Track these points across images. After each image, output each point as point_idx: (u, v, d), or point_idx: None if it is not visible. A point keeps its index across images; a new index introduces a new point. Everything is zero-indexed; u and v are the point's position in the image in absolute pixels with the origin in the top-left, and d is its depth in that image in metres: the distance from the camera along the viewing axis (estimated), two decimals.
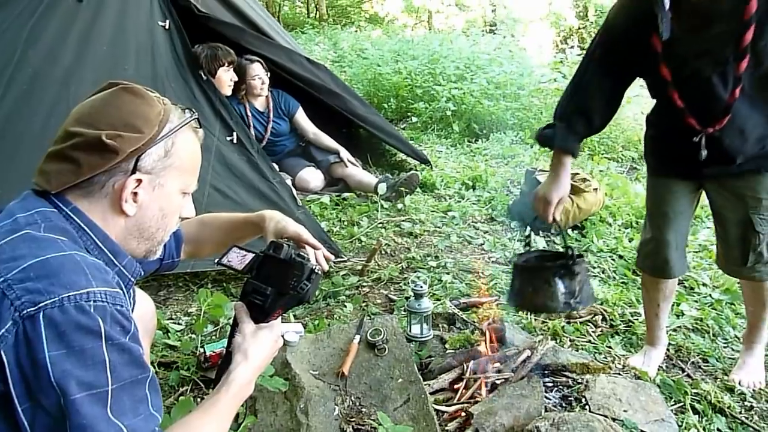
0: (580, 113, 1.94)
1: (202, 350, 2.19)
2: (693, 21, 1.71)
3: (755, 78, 1.76)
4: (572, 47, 9.73)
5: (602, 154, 5.47)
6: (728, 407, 2.10)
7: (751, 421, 2.06)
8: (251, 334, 1.23)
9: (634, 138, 5.64)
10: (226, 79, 3.67)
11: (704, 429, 1.90)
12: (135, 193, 1.09)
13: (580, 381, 2.11)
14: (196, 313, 2.59)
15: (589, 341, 2.49)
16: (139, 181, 1.08)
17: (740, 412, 2.10)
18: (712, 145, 1.88)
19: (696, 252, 3.41)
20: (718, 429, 1.93)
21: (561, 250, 2.04)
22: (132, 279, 1.19)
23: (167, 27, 3.15)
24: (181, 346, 2.31)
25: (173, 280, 2.92)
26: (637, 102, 5.29)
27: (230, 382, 1.16)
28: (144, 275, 1.40)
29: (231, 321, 1.26)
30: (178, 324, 2.53)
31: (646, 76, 1.99)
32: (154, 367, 2.15)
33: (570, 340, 2.49)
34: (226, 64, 3.63)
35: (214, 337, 2.41)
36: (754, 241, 2.01)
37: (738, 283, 2.49)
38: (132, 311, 1.25)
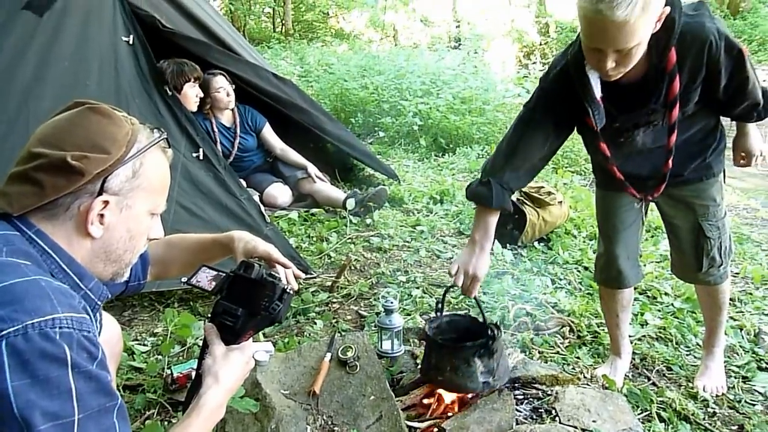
0: (513, 171, 1.93)
1: (169, 372, 2.14)
2: (626, 101, 1.78)
3: (683, 122, 1.83)
4: (534, 63, 9.95)
5: (566, 167, 5.60)
6: (692, 414, 2.16)
7: (714, 427, 2.12)
8: (222, 356, 1.21)
9: None
10: (192, 94, 3.64)
11: None
12: (101, 215, 1.07)
13: (549, 393, 2.13)
14: (162, 334, 2.53)
15: (558, 353, 2.53)
16: (106, 202, 1.06)
17: (704, 419, 2.16)
18: None
19: (657, 262, 3.50)
20: None
21: (471, 314, 2.05)
22: (99, 302, 1.16)
23: (131, 42, 3.10)
24: (147, 368, 2.25)
25: (138, 300, 2.85)
26: None
27: (201, 406, 1.14)
28: (110, 297, 1.37)
29: (199, 341, 1.24)
30: (144, 345, 2.47)
31: (587, 144, 2.07)
32: (120, 391, 2.09)
33: (539, 352, 2.52)
34: (192, 80, 3.60)
35: (181, 358, 2.36)
36: (707, 247, 2.08)
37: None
38: (99, 335, 1.22)
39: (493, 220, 1.95)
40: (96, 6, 2.99)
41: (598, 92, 1.74)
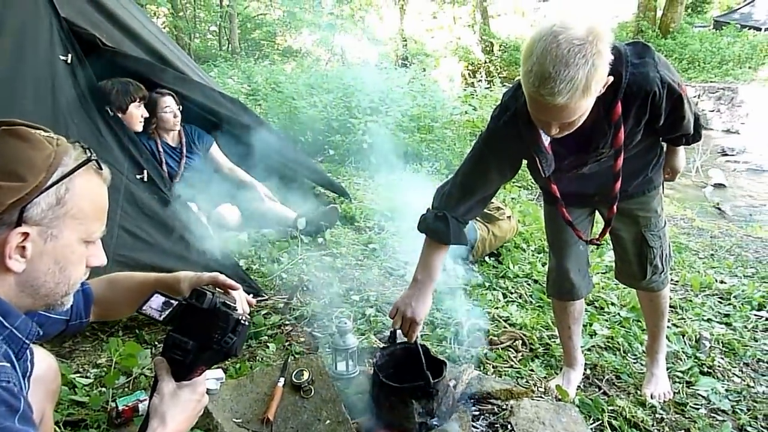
0: (467, 204, 1.98)
1: (113, 405, 2.04)
2: (574, 146, 1.83)
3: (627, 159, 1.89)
4: (480, 80, 10.18)
5: (513, 182, 5.71)
6: (642, 421, 2.22)
7: None
8: (170, 394, 1.14)
9: None
10: (137, 114, 3.52)
11: None
12: (23, 247, 0.98)
13: (504, 407, 2.15)
14: (106, 365, 2.42)
15: (511, 366, 2.56)
16: (26, 234, 0.98)
17: (653, 425, 2.22)
18: None
19: (603, 273, 3.60)
20: None
21: (422, 343, 2.06)
22: (27, 341, 1.06)
23: (69, 61, 2.99)
24: (90, 402, 2.14)
25: None
26: None
27: None
28: (46, 337, 1.29)
29: (146, 371, 1.16)
30: (87, 377, 2.35)
31: (534, 174, 2.12)
32: (60, 428, 1.98)
33: (493, 367, 2.54)
34: (138, 100, 3.50)
35: (127, 390, 2.26)
36: (650, 256, 2.19)
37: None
38: (29, 375, 1.14)
39: (442, 256, 1.98)
40: (31, 23, 2.87)
41: (546, 141, 1.79)
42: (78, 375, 2.36)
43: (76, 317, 1.40)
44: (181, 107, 3.88)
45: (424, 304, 1.95)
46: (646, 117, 1.78)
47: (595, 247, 4.02)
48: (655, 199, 2.15)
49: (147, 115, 3.63)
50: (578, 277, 2.32)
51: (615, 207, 1.99)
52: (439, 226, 1.94)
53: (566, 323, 2.43)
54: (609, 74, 1.55)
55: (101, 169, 1.09)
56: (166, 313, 1.27)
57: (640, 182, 2.08)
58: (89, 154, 1.06)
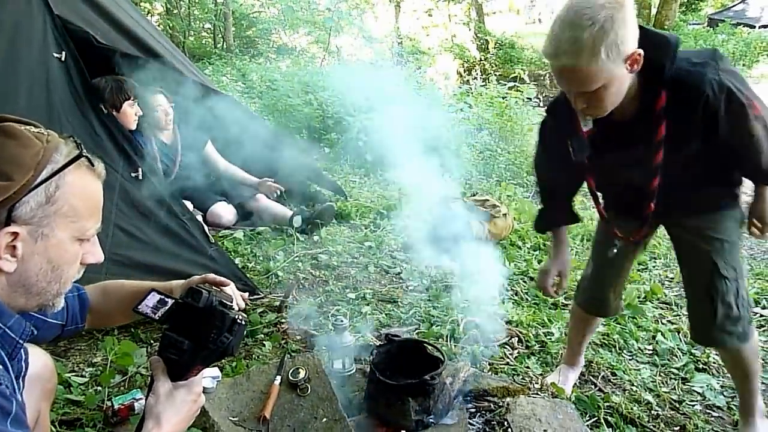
0: (554, 200, 2.19)
1: (109, 403, 2.04)
2: (615, 139, 1.78)
3: (680, 160, 1.75)
4: (476, 78, 10.17)
5: (509, 180, 5.72)
6: (638, 417, 2.23)
7: (658, 428, 2.19)
8: (166, 395, 1.13)
9: None
10: (131, 113, 3.51)
11: None
12: (13, 247, 0.97)
13: (501, 404, 2.16)
14: (101, 363, 2.41)
15: (508, 363, 2.56)
16: (15, 234, 0.96)
17: (648, 421, 2.23)
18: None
19: None
20: None
21: (418, 338, 2.19)
22: (20, 341, 1.05)
23: (63, 59, 2.97)
24: (85, 401, 2.13)
25: None
26: None
27: None
28: (42, 341, 1.28)
29: (141, 370, 1.15)
30: (82, 376, 2.34)
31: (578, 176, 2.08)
32: (56, 427, 1.97)
33: (489, 364, 2.55)
34: (132, 98, 3.48)
35: (122, 388, 2.25)
36: (722, 289, 1.86)
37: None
38: (24, 375, 1.13)
39: (558, 234, 2.19)
40: (25, 21, 2.85)
41: (584, 126, 1.77)
42: (73, 374, 2.35)
43: (71, 322, 1.39)
44: (174, 105, 3.87)
45: (559, 260, 2.18)
46: (697, 122, 1.63)
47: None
48: (729, 222, 1.87)
49: (141, 113, 3.62)
50: (612, 295, 2.24)
51: (653, 204, 1.83)
52: (548, 216, 2.22)
53: (582, 332, 2.42)
54: (647, 57, 1.53)
55: (93, 165, 1.06)
56: (162, 311, 1.26)
57: (706, 196, 1.85)
58: (80, 150, 1.03)
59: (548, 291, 2.17)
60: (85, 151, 1.03)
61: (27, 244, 0.98)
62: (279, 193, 4.26)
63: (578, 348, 2.46)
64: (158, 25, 13.69)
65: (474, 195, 4.43)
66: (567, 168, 1.94)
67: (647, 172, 1.78)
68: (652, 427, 2.20)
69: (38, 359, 1.36)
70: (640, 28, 1.55)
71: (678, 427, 2.22)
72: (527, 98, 7.14)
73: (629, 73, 1.56)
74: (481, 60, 19.27)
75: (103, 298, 1.46)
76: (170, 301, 1.26)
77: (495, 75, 11.53)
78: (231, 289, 1.39)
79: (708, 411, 2.34)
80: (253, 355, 2.52)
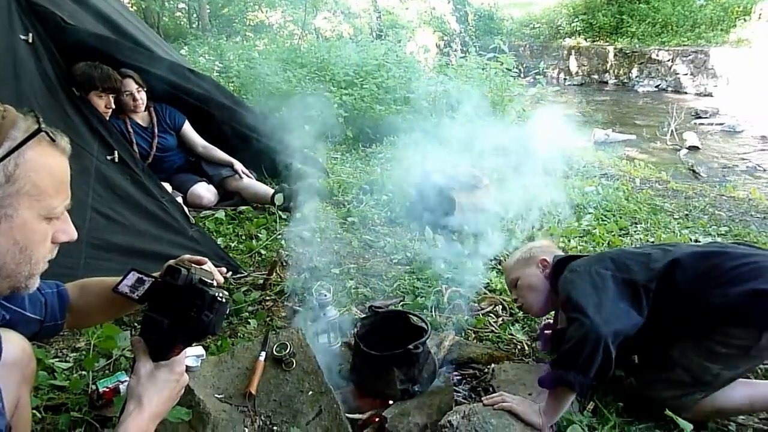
0: None
1: (94, 387, 2.03)
2: None
3: None
4: (456, 51, 10.09)
5: (491, 152, 5.70)
6: (624, 376, 2.25)
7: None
8: (147, 375, 1.12)
9: (518, 134, 5.94)
10: (100, 103, 3.35)
11: (602, 401, 2.02)
12: None
13: (486, 371, 2.18)
14: (85, 348, 2.39)
15: (492, 331, 2.58)
16: None
17: (632, 382, 2.26)
18: None
19: (581, 237, 3.64)
20: (613, 399, 2.06)
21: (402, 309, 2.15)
22: None
23: (30, 41, 2.89)
24: (70, 386, 2.12)
25: None
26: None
27: None
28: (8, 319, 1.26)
29: (126, 353, 1.13)
30: (66, 362, 2.32)
31: None
32: (40, 413, 1.96)
33: (474, 332, 2.57)
34: (101, 89, 3.35)
35: (107, 372, 2.24)
36: None
37: None
38: None
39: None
40: None
41: None
42: (57, 360, 2.33)
43: (50, 318, 1.37)
44: (146, 88, 3.79)
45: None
46: None
47: (572, 212, 4.05)
48: None
49: (113, 106, 3.52)
50: None
51: None
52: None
53: None
54: None
55: (54, 140, 1.01)
56: (141, 291, 1.25)
57: None
58: (39, 125, 0.97)
59: None
60: (44, 125, 0.98)
61: None
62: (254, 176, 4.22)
63: None
64: (131, 6, 13.37)
65: (457, 167, 4.42)
66: None
67: None
68: (633, 382, 2.23)
69: (15, 345, 1.33)
70: None
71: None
72: (507, 69, 7.11)
73: None
74: (461, 32, 19.11)
75: (81, 294, 1.43)
76: (149, 281, 1.25)
77: (474, 47, 11.44)
78: (208, 266, 1.37)
79: None
80: (238, 333, 2.51)
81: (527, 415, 1.79)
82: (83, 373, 2.22)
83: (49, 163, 0.99)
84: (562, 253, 2.25)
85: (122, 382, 2.02)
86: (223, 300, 1.19)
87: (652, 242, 3.62)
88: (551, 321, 2.35)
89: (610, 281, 1.86)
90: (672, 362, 1.91)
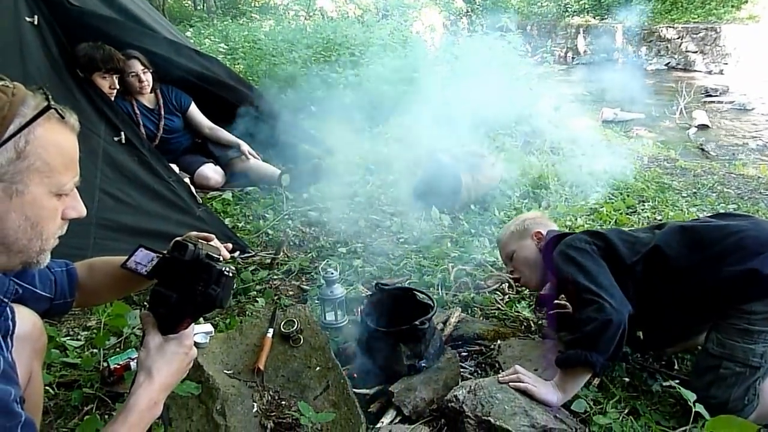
0: None
1: (105, 364, 2.06)
2: None
3: None
4: (463, 29, 10.00)
5: (498, 130, 5.68)
6: (629, 353, 2.26)
7: (647, 363, 2.23)
8: (156, 348, 1.14)
9: (525, 113, 5.92)
10: (104, 84, 3.37)
11: (606, 376, 2.03)
12: None
13: (492, 347, 2.20)
14: (96, 326, 2.43)
15: (498, 309, 2.59)
16: None
17: (635, 355, 2.27)
18: None
19: (588, 215, 3.63)
20: (618, 375, 2.07)
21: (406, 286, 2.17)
22: (4, 300, 1.05)
23: (36, 23, 2.89)
24: (81, 363, 2.15)
25: None
26: None
27: (129, 409, 1.06)
28: (20, 294, 1.27)
29: (136, 330, 1.15)
30: (77, 340, 2.36)
31: None
32: (53, 389, 2.00)
33: (480, 310, 2.58)
34: (104, 70, 3.34)
35: (118, 349, 2.27)
36: None
37: None
38: (12, 334, 1.13)
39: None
40: None
41: None
42: (69, 338, 2.37)
43: (60, 296, 1.39)
44: (152, 69, 3.78)
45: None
46: None
47: (579, 190, 4.04)
48: None
49: (117, 87, 3.51)
50: None
51: None
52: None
53: None
54: None
55: (63, 117, 1.01)
56: (149, 266, 1.27)
57: None
58: (49, 102, 0.98)
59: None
60: (54, 102, 0.98)
61: (2, 201, 0.95)
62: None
63: None
64: None
65: (463, 146, 4.41)
66: None
67: None
68: (641, 360, 2.24)
69: (26, 319, 1.36)
70: None
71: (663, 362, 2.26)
72: (514, 48, 7.04)
73: None
74: (467, 11, 18.89)
75: (90, 272, 1.45)
76: (157, 257, 1.26)
77: (481, 25, 11.32)
78: (215, 242, 1.39)
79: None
80: (246, 312, 2.54)
81: (543, 395, 1.79)
82: (94, 350, 2.26)
83: (58, 140, 1.00)
84: (555, 226, 2.29)
85: (133, 359, 2.05)
86: (230, 274, 1.20)
87: (659, 220, 3.60)
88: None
89: (601, 260, 1.91)
90: (713, 359, 1.84)
